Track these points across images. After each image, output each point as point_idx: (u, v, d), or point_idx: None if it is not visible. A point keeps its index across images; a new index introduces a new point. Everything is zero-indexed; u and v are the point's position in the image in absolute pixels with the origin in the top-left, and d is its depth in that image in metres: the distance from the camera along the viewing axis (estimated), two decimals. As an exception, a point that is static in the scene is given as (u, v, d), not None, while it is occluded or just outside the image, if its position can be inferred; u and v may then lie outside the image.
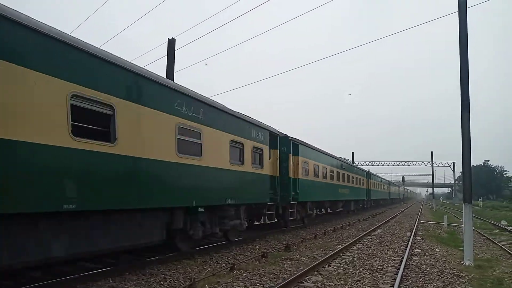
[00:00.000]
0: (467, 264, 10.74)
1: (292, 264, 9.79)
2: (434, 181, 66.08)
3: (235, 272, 8.58)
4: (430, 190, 77.90)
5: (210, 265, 9.34)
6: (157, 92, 8.09)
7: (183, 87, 9.13)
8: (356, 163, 71.51)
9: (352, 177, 30.39)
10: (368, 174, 39.78)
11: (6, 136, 5.00)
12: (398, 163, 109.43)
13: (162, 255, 9.71)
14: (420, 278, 8.68)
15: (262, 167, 13.22)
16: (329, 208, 25.21)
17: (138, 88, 7.48)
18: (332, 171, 23.54)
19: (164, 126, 8.14)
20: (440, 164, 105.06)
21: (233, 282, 7.64)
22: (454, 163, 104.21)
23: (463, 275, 9.27)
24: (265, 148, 13.57)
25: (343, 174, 26.89)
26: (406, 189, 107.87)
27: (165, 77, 15.69)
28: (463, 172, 12.21)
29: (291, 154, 16.56)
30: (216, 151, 10.21)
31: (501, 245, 15.14)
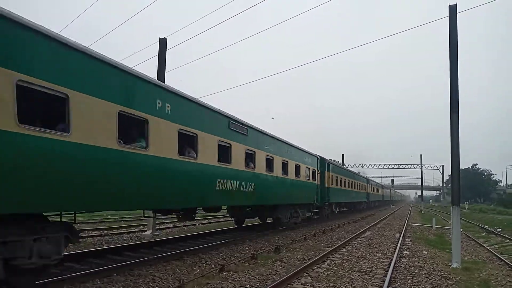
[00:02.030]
0: (454, 266, 10.85)
1: (281, 266, 9.78)
2: (423, 184, 66.66)
3: (224, 273, 8.54)
4: (419, 192, 78.61)
5: (199, 266, 9.29)
6: None
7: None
8: (347, 165, 71.97)
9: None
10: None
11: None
12: (388, 165, 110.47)
13: (151, 255, 9.64)
14: (408, 280, 8.74)
15: None
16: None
17: None
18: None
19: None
20: (429, 167, 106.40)
21: (222, 284, 7.61)
22: (442, 166, 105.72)
23: (451, 277, 9.36)
24: None
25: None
26: (394, 190, 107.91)
27: (156, 78, 15.71)
28: (451, 175, 12.33)
29: None
30: None
31: (488, 247, 15.34)
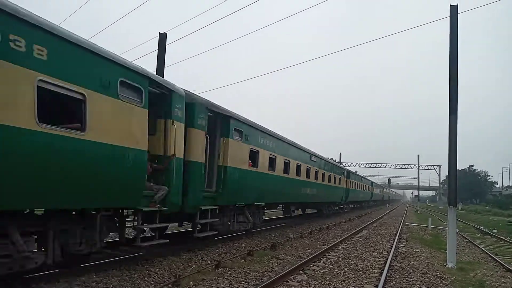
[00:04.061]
0: (450, 266, 10.90)
1: (277, 263, 9.79)
2: (420, 184, 66.86)
3: (220, 269, 8.55)
4: (416, 192, 78.82)
5: (195, 262, 9.28)
6: None
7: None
8: (344, 164, 72.10)
9: None
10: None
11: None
12: (385, 165, 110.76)
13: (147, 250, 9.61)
14: (403, 279, 8.77)
15: None
16: None
17: None
18: None
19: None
20: (426, 167, 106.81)
21: (218, 280, 7.61)
22: (439, 166, 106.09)
23: (446, 277, 9.40)
24: None
25: None
26: (390, 190, 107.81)
27: (155, 73, 15.78)
28: (449, 175, 12.38)
29: None
30: None
31: (483, 248, 15.42)
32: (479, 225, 29.33)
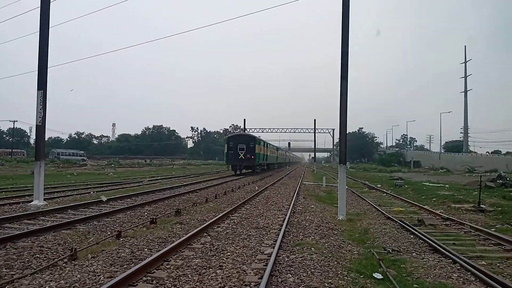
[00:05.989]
0: (340, 218, 12.05)
1: (181, 228, 9.80)
2: (316, 146, 71.71)
3: (121, 239, 8.28)
4: (313, 154, 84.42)
5: (94, 234, 8.85)
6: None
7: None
8: (248, 130, 73.85)
9: None
10: None
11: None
12: (285, 129, 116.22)
13: (38, 226, 8.90)
14: (300, 232, 9.46)
15: None
16: None
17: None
18: None
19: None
20: (322, 131, 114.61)
21: (119, 249, 7.36)
22: (333, 130, 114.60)
23: (337, 228, 10.39)
24: None
25: None
26: (290, 153, 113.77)
27: (39, 32, 14.19)
28: (340, 138, 13.43)
29: None
30: None
31: (369, 201, 17.27)
32: (366, 181, 32.74)
